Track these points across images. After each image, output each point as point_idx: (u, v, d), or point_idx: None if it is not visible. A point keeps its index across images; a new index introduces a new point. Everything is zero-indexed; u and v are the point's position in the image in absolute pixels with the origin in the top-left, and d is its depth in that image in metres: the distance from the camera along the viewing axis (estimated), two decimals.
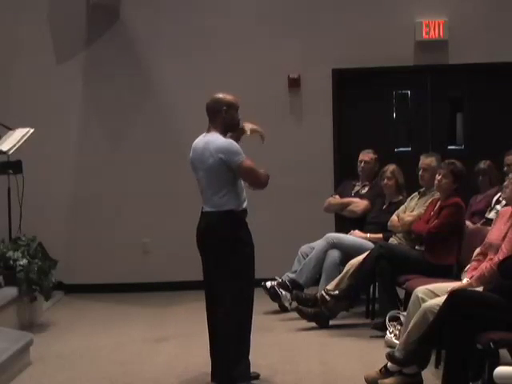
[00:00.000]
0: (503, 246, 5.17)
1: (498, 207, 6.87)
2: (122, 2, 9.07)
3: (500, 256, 5.09)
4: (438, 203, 6.84)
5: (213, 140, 5.22)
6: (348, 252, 7.45)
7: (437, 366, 5.48)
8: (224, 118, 5.28)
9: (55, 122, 9.05)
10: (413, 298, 5.44)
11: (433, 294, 5.32)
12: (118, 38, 9.12)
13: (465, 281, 5.50)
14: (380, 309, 6.91)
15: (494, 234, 5.51)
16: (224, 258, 5.17)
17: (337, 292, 6.96)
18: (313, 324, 7.01)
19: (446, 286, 5.37)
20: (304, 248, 7.92)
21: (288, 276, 7.73)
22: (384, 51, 8.95)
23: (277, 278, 7.71)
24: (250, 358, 5.30)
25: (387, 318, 6.26)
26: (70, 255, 8.93)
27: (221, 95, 5.35)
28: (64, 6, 9.11)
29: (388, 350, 5.58)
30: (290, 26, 9.06)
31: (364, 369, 5.52)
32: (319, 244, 7.72)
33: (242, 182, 5.32)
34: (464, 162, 6.91)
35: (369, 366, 5.59)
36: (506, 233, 5.28)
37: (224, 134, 5.30)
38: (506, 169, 7.25)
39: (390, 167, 7.71)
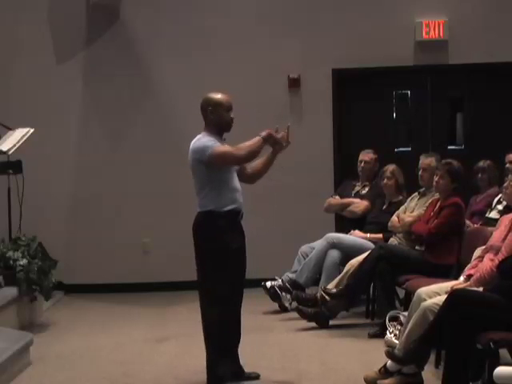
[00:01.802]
0: (503, 248, 5.17)
1: (500, 207, 6.88)
2: (122, 2, 9.08)
3: (499, 258, 5.09)
4: (438, 203, 6.84)
5: (195, 141, 5.23)
6: (348, 252, 7.45)
7: (437, 366, 5.47)
8: (211, 119, 5.23)
9: (55, 122, 9.05)
10: (415, 298, 5.43)
11: (436, 294, 5.30)
12: (118, 37, 9.13)
13: (461, 279, 5.51)
14: (378, 310, 6.92)
15: (495, 237, 5.51)
16: (203, 258, 5.14)
17: (334, 290, 6.96)
18: (313, 324, 7.01)
19: (448, 286, 5.37)
20: (304, 248, 7.92)
21: (288, 276, 7.73)
22: (384, 51, 8.95)
23: (277, 278, 7.70)
24: (250, 358, 5.30)
25: (387, 318, 6.26)
26: (70, 255, 8.93)
27: (210, 95, 5.30)
28: (64, 6, 9.11)
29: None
30: (290, 26, 9.06)
31: (364, 369, 5.52)
32: (319, 244, 7.72)
33: (235, 182, 5.24)
34: (464, 162, 6.91)
35: (368, 366, 5.58)
36: (506, 235, 5.28)
37: (217, 133, 5.23)
38: (507, 165, 7.26)
39: (390, 167, 7.71)
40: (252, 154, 5.20)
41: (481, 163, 7.57)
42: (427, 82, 9.32)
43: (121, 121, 9.20)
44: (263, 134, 5.22)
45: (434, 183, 6.80)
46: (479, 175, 7.54)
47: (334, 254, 7.57)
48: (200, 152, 5.13)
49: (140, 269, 9.05)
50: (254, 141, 5.19)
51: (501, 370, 4.44)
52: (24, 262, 7.15)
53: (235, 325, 5.24)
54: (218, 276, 5.09)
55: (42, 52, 9.09)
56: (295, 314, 7.17)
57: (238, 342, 5.31)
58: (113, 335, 7.07)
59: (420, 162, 7.35)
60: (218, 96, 5.27)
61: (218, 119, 5.23)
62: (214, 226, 5.11)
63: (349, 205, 8.07)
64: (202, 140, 5.18)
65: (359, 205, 8.00)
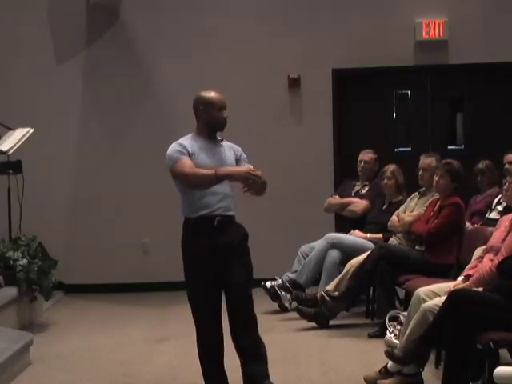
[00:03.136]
0: (503, 248, 5.18)
1: (500, 208, 6.88)
2: (122, 2, 9.08)
3: (499, 258, 5.10)
4: (438, 203, 6.84)
5: (174, 143, 5.04)
6: (348, 252, 7.45)
7: (437, 366, 5.47)
8: (203, 118, 5.01)
9: (55, 122, 9.05)
10: (414, 298, 5.44)
11: (434, 294, 5.32)
12: (118, 38, 9.13)
13: (460, 279, 5.51)
14: (378, 310, 6.92)
15: (495, 238, 5.51)
16: (183, 262, 5.08)
17: (336, 293, 6.96)
18: (313, 324, 7.01)
19: (447, 287, 5.38)
20: (304, 248, 7.92)
21: (288, 276, 7.74)
22: (384, 51, 8.95)
23: (277, 278, 7.71)
24: None
25: (387, 318, 6.26)
26: (70, 255, 8.93)
27: (202, 93, 5.06)
28: (64, 6, 9.12)
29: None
30: (290, 26, 9.07)
31: (364, 369, 5.52)
32: (319, 244, 7.72)
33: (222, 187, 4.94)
34: (464, 162, 6.91)
35: (368, 366, 5.59)
36: (506, 235, 5.28)
37: (208, 134, 5.01)
38: (506, 166, 7.26)
39: (390, 167, 7.72)
40: (194, 180, 4.84)
41: (479, 165, 7.57)
42: (427, 82, 9.33)
43: (121, 121, 9.20)
44: (221, 172, 4.83)
45: (434, 183, 6.80)
46: (478, 178, 7.54)
47: (333, 254, 7.57)
48: (167, 160, 4.96)
49: (140, 269, 9.05)
50: (208, 173, 4.81)
51: (501, 369, 4.45)
52: (24, 261, 7.15)
53: (212, 332, 5.04)
54: (188, 281, 4.99)
55: (42, 52, 9.10)
56: (295, 314, 7.18)
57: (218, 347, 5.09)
58: (113, 335, 7.07)
59: (420, 162, 7.35)
60: (210, 95, 5.01)
61: (209, 119, 4.99)
62: (186, 233, 4.99)
63: (348, 204, 8.07)
64: (174, 147, 4.96)
65: (359, 204, 8.01)
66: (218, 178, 4.83)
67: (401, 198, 7.67)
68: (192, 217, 4.92)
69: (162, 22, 9.13)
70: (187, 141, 5.02)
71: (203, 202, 4.90)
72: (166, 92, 9.15)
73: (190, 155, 4.93)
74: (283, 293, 7.64)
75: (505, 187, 6.02)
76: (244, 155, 5.13)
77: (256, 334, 5.03)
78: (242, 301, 5.03)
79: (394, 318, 6.13)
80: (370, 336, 6.58)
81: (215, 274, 4.93)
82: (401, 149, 9.41)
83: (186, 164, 4.87)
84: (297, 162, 8.97)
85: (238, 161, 5.07)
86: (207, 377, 5.08)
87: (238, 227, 5.06)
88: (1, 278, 7.08)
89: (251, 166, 4.91)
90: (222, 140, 5.11)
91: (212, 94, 5.03)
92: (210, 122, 5.02)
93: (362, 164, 8.20)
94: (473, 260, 5.67)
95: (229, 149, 5.11)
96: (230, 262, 4.96)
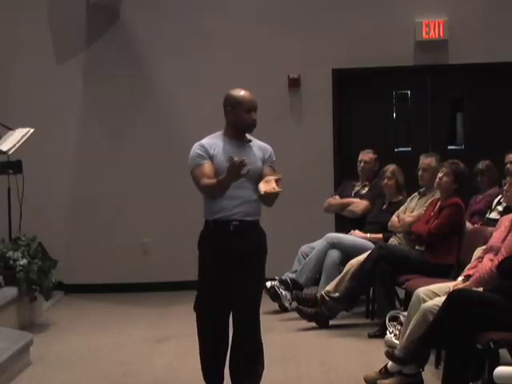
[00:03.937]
0: (503, 248, 5.18)
1: (500, 208, 6.88)
2: (122, 2, 9.08)
3: (499, 258, 5.10)
4: (438, 203, 6.84)
5: (201, 140, 4.94)
6: (348, 252, 7.45)
7: (437, 366, 5.47)
8: (230, 119, 4.84)
9: (55, 122, 9.05)
10: (414, 298, 5.44)
11: (434, 294, 5.33)
12: (118, 38, 9.13)
13: (460, 279, 5.51)
14: (378, 310, 6.92)
15: (495, 238, 5.51)
16: None
17: (337, 294, 6.96)
18: (313, 324, 7.01)
19: (447, 287, 5.38)
20: (304, 248, 7.92)
21: (288, 276, 7.74)
22: (384, 51, 8.95)
23: (277, 278, 7.71)
24: None
25: (387, 318, 6.26)
26: (70, 255, 8.93)
27: (231, 92, 4.84)
28: (64, 6, 9.12)
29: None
30: (290, 26, 9.07)
31: (364, 369, 5.53)
32: (319, 244, 7.72)
33: (230, 190, 4.77)
34: (464, 162, 6.91)
35: (368, 366, 5.59)
36: (506, 235, 5.28)
37: (235, 134, 4.84)
38: (508, 166, 7.26)
39: (390, 167, 7.72)
40: (206, 192, 4.80)
41: (479, 165, 7.58)
42: (427, 82, 9.33)
43: (121, 121, 9.20)
44: (219, 180, 4.69)
45: (437, 179, 6.77)
46: (478, 178, 7.54)
47: (333, 254, 7.57)
48: (188, 161, 4.86)
49: (140, 269, 9.05)
50: (213, 183, 4.72)
51: (501, 369, 4.45)
52: (24, 261, 7.15)
53: (211, 336, 5.02)
54: (198, 282, 4.99)
55: (42, 52, 9.10)
56: (295, 314, 7.18)
57: (216, 352, 5.04)
58: (113, 335, 7.07)
59: (420, 161, 7.35)
60: (239, 94, 4.80)
61: (236, 120, 4.79)
62: (202, 234, 4.93)
63: (348, 205, 8.08)
64: (196, 149, 4.82)
65: (359, 204, 8.01)
66: (220, 186, 4.69)
67: (401, 198, 7.67)
68: (210, 219, 4.85)
69: (162, 22, 9.13)
70: (212, 140, 4.88)
71: (221, 206, 4.79)
72: (165, 92, 9.15)
73: (210, 157, 4.80)
74: (283, 292, 7.64)
75: (505, 187, 6.03)
76: (273, 158, 4.96)
77: (252, 353, 4.84)
78: (244, 314, 4.85)
79: (394, 318, 6.13)
80: (370, 336, 6.58)
81: (221, 275, 4.84)
82: (401, 149, 9.41)
83: (203, 173, 4.75)
84: (297, 162, 8.95)
85: (263, 162, 4.91)
86: (204, 377, 5.06)
87: (256, 235, 4.91)
88: (1, 278, 7.08)
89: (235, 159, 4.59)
90: (251, 140, 4.93)
91: (241, 94, 4.82)
92: (237, 124, 4.83)
93: (362, 164, 8.20)
94: (473, 260, 5.67)
95: (257, 150, 4.92)
96: (239, 270, 4.80)
